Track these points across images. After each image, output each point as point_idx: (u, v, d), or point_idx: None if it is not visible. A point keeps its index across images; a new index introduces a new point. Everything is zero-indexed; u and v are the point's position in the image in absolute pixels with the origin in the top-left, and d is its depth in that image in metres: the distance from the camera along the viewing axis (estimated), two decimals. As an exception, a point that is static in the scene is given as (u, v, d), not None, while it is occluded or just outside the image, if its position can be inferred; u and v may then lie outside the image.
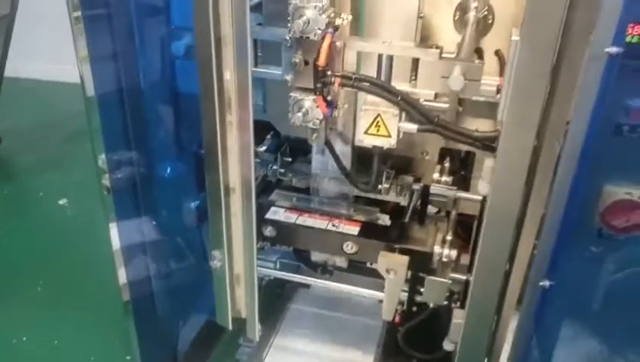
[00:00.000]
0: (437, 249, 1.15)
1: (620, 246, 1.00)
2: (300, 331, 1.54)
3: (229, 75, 0.98)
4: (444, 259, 1.14)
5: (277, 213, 1.25)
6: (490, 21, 1.07)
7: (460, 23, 1.08)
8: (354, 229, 1.21)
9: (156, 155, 1.22)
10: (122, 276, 1.23)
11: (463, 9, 1.07)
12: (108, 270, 2.03)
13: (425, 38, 1.07)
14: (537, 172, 0.93)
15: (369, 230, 1.21)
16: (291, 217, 1.24)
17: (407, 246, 1.17)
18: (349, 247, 1.19)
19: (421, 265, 1.16)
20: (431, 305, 1.23)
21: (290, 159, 1.34)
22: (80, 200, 2.50)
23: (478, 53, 1.06)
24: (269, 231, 1.23)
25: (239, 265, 1.12)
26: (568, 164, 0.91)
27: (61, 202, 2.48)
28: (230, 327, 1.15)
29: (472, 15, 1.04)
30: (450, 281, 1.15)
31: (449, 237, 1.17)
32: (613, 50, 0.80)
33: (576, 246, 1.00)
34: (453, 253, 1.14)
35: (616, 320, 1.09)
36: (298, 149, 1.34)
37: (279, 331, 1.54)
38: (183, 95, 1.18)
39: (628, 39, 0.83)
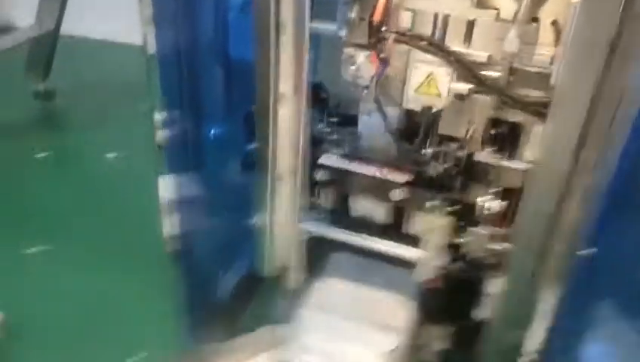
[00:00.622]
0: (480, 200, 1.15)
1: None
2: (333, 292, 1.56)
3: (287, 29, 0.99)
4: (487, 211, 1.15)
5: (330, 159, 1.27)
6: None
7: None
8: (403, 177, 1.22)
9: (207, 112, 1.26)
10: (168, 227, 1.27)
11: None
12: (152, 221, 2.12)
13: (482, 2, 1.07)
14: (587, 140, 0.93)
15: (417, 180, 1.22)
16: (344, 163, 1.26)
17: (453, 196, 1.18)
18: (397, 194, 1.20)
19: (464, 220, 1.17)
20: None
21: (336, 119, 1.36)
22: (128, 153, 2.57)
23: (535, 22, 1.05)
24: (320, 176, 1.25)
25: (283, 217, 1.15)
26: (620, 133, 0.91)
27: (110, 156, 2.55)
28: (271, 276, 1.18)
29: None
30: (490, 233, 1.16)
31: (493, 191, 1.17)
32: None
33: (620, 217, 1.00)
34: (496, 205, 1.14)
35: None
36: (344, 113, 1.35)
37: (313, 291, 1.57)
38: (237, 51, 1.20)
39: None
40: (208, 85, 1.23)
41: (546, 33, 1.02)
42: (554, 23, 1.06)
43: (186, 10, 1.10)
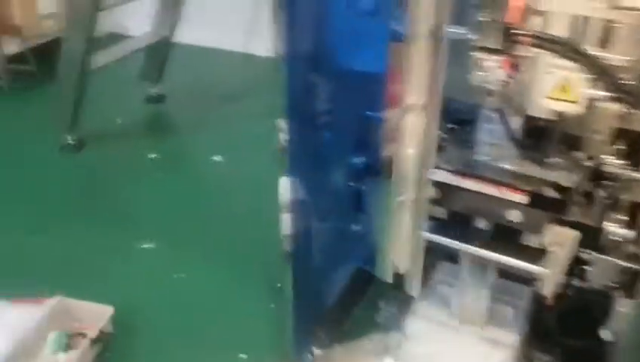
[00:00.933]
0: (609, 226, 1.09)
1: None
2: (441, 303, 1.53)
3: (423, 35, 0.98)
4: (616, 238, 1.08)
5: (440, 175, 1.24)
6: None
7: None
8: (521, 198, 1.17)
9: (330, 116, 1.27)
10: (286, 227, 1.29)
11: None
12: (260, 221, 2.17)
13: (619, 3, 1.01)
14: None
15: (536, 200, 1.16)
16: (455, 180, 1.22)
17: (577, 220, 1.12)
18: (515, 216, 1.16)
19: (589, 242, 1.11)
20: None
21: (454, 126, 1.33)
22: (232, 157, 2.65)
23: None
24: (432, 193, 1.23)
25: (407, 222, 1.14)
26: None
27: (216, 158, 2.64)
28: (390, 281, 1.17)
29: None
30: (622, 263, 1.09)
31: (622, 217, 1.11)
32: None
33: None
34: (628, 233, 1.08)
35: None
36: (463, 118, 1.32)
37: (424, 300, 1.54)
38: (365, 56, 1.20)
39: None
40: (330, 91, 1.24)
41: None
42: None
43: (314, 19, 1.12)
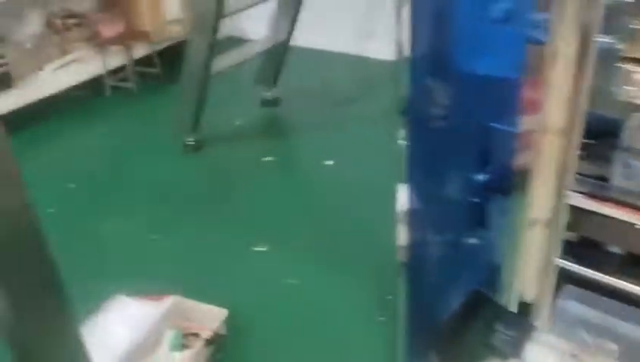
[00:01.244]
0: None
1: None
2: (568, 331, 1.42)
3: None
4: None
5: (575, 198, 1.14)
6: None
7: None
8: None
9: (452, 125, 1.20)
10: (402, 237, 1.24)
11: None
12: (371, 229, 2.14)
13: None
14: None
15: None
16: (592, 204, 1.12)
17: None
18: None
19: None
20: None
21: (592, 141, 1.22)
22: (345, 162, 2.63)
23: None
24: (566, 216, 1.13)
25: (538, 245, 1.06)
26: None
27: (328, 163, 2.63)
28: (515, 310, 1.10)
29: None
30: None
31: None
32: None
33: None
34: None
35: None
36: (602, 132, 1.21)
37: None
38: (496, 61, 1.13)
39: None
40: (456, 97, 1.18)
41: None
42: None
43: (441, 20, 1.06)
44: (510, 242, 1.06)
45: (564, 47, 0.92)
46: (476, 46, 1.10)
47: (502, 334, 1.50)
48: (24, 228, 0.73)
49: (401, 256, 1.30)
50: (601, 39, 0.99)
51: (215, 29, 2.51)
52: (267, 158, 2.71)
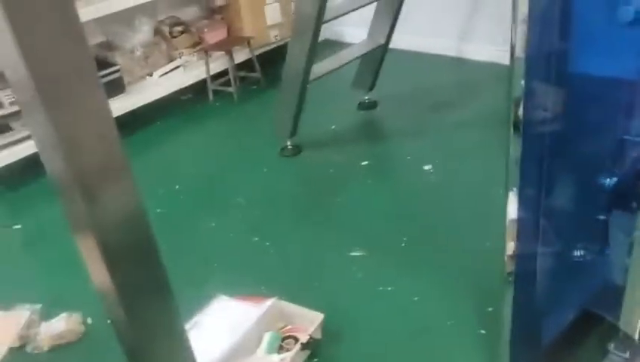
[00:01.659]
0: None
1: None
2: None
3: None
4: None
5: None
6: None
7: None
8: None
9: (570, 132, 1.13)
10: (510, 248, 1.18)
11: None
12: (471, 236, 2.07)
13: None
14: None
15: None
16: None
17: None
18: None
19: None
20: None
21: None
22: (444, 167, 2.57)
23: None
24: None
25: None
26: None
27: (426, 167, 2.58)
28: (637, 337, 1.01)
29: None
30: None
31: None
32: None
33: None
34: None
35: None
36: None
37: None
38: (620, 70, 1.05)
39: None
40: (574, 101, 1.11)
41: None
42: None
43: (560, 22, 1.00)
44: (635, 262, 0.98)
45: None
46: (601, 47, 1.03)
47: (614, 355, 1.40)
48: (139, 231, 0.76)
49: (509, 267, 1.24)
50: None
51: (315, 34, 2.53)
52: (364, 162, 2.69)
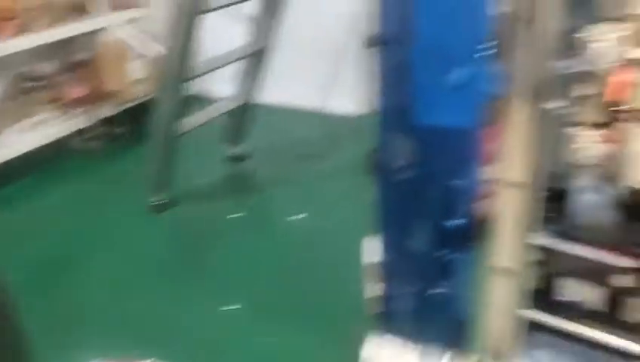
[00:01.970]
0: None
1: None
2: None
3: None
4: None
5: (543, 239, 1.22)
6: None
7: None
8: (630, 262, 1.12)
9: (418, 177, 1.26)
10: (370, 290, 1.27)
11: None
12: (341, 282, 2.16)
13: None
14: None
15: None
16: (556, 243, 1.20)
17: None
18: (624, 281, 1.11)
19: None
20: None
21: (551, 193, 1.29)
22: (315, 215, 2.67)
23: None
24: (534, 258, 1.21)
25: (502, 300, 1.11)
26: None
27: (297, 217, 2.67)
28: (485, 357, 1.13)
29: None
30: None
31: None
32: None
33: None
34: None
35: None
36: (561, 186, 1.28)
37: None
38: (458, 113, 1.19)
39: None
40: (421, 150, 1.24)
41: None
42: None
43: (404, 76, 1.13)
44: (476, 294, 1.11)
45: (517, 109, 0.99)
46: (438, 102, 1.18)
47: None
48: None
49: (371, 309, 1.33)
50: (551, 104, 1.08)
51: (180, 90, 2.56)
52: (236, 215, 2.73)
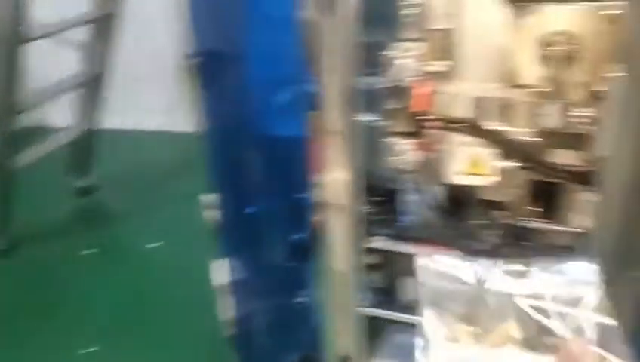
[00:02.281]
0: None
1: None
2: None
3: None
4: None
5: (378, 242, 1.29)
6: (575, 54, 1.08)
7: (545, 58, 1.09)
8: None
9: (258, 193, 1.28)
10: (224, 312, 1.28)
11: (546, 43, 1.09)
12: (203, 310, 2.13)
13: (512, 74, 1.09)
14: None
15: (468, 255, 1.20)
16: (392, 245, 1.27)
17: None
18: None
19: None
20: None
21: (380, 198, 1.37)
22: (170, 241, 2.61)
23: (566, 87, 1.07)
24: (371, 259, 1.27)
25: (342, 302, 1.16)
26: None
27: (152, 245, 2.59)
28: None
29: (556, 49, 1.06)
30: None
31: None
32: None
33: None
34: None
35: None
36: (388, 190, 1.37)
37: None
38: (283, 139, 1.23)
39: None
40: (256, 166, 1.26)
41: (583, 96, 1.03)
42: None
43: (229, 93, 1.15)
44: (322, 299, 1.16)
45: (332, 123, 1.04)
46: (268, 113, 1.21)
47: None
48: None
49: (228, 331, 1.34)
50: (364, 118, 1.15)
51: (9, 124, 2.40)
52: (88, 251, 2.60)
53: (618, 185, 0.94)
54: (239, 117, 1.22)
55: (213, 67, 1.16)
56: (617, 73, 0.86)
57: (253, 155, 1.28)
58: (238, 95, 1.20)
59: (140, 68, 3.46)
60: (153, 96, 3.63)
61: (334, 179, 1.09)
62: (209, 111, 1.17)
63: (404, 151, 1.06)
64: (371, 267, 1.33)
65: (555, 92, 0.99)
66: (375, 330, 1.64)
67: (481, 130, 1.02)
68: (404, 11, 1.03)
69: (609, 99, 0.89)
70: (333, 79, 0.97)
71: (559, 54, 1.04)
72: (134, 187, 3.15)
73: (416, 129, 1.02)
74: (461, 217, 1.21)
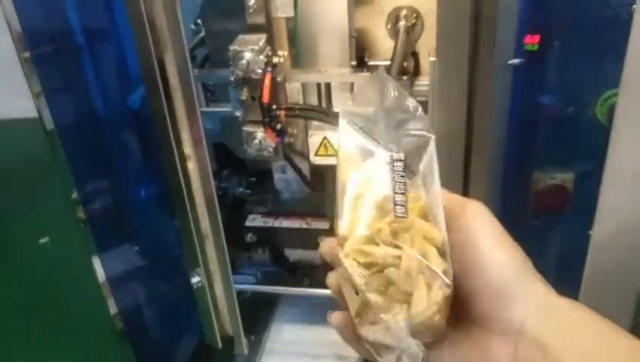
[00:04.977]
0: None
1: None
2: (289, 335, 1.62)
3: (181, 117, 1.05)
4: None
5: (255, 220, 1.36)
6: (420, 27, 1.16)
7: (393, 31, 1.17)
8: (325, 225, 1.33)
9: (127, 182, 1.30)
10: (113, 306, 1.29)
11: (394, 18, 1.16)
12: (95, 301, 2.11)
13: (363, 50, 1.17)
14: (471, 176, 1.03)
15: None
16: (269, 221, 1.34)
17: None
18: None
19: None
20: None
21: (254, 179, 1.42)
22: (60, 236, 2.54)
23: (414, 56, 1.16)
24: (250, 238, 1.33)
25: (218, 283, 1.21)
26: (497, 162, 1.02)
27: (42, 241, 2.52)
28: (219, 346, 1.24)
29: (401, 24, 1.14)
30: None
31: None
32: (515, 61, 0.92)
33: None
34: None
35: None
36: (260, 170, 1.42)
37: (269, 337, 1.62)
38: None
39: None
40: (123, 149, 1.27)
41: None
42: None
43: (77, 78, 1.13)
44: (199, 283, 1.20)
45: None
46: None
47: (238, 357, 1.65)
48: None
49: (118, 323, 1.35)
50: (219, 108, 1.19)
51: None
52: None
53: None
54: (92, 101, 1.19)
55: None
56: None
57: (116, 137, 1.26)
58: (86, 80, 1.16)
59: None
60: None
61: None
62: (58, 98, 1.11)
63: (263, 139, 1.11)
64: (251, 244, 1.39)
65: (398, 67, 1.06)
66: (264, 306, 1.72)
67: (328, 114, 1.08)
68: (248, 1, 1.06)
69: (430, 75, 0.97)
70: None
71: (404, 28, 1.11)
72: (10, 179, 2.97)
73: (269, 118, 1.07)
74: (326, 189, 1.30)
